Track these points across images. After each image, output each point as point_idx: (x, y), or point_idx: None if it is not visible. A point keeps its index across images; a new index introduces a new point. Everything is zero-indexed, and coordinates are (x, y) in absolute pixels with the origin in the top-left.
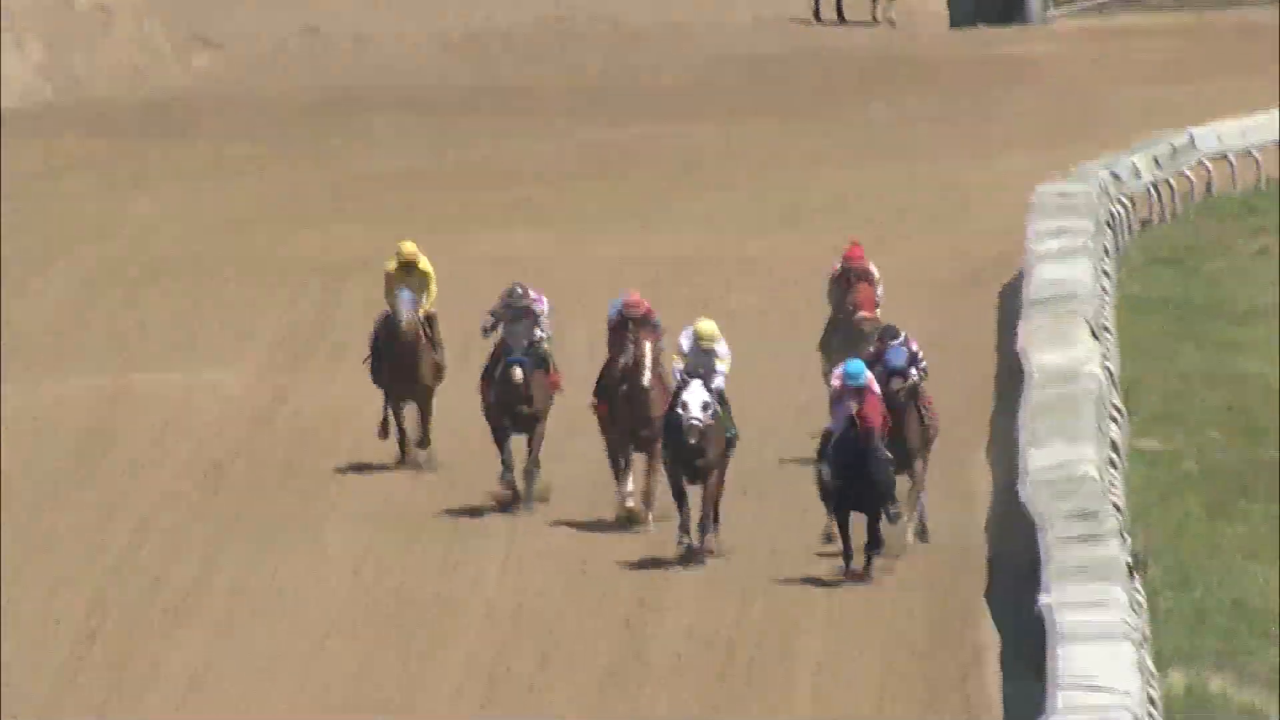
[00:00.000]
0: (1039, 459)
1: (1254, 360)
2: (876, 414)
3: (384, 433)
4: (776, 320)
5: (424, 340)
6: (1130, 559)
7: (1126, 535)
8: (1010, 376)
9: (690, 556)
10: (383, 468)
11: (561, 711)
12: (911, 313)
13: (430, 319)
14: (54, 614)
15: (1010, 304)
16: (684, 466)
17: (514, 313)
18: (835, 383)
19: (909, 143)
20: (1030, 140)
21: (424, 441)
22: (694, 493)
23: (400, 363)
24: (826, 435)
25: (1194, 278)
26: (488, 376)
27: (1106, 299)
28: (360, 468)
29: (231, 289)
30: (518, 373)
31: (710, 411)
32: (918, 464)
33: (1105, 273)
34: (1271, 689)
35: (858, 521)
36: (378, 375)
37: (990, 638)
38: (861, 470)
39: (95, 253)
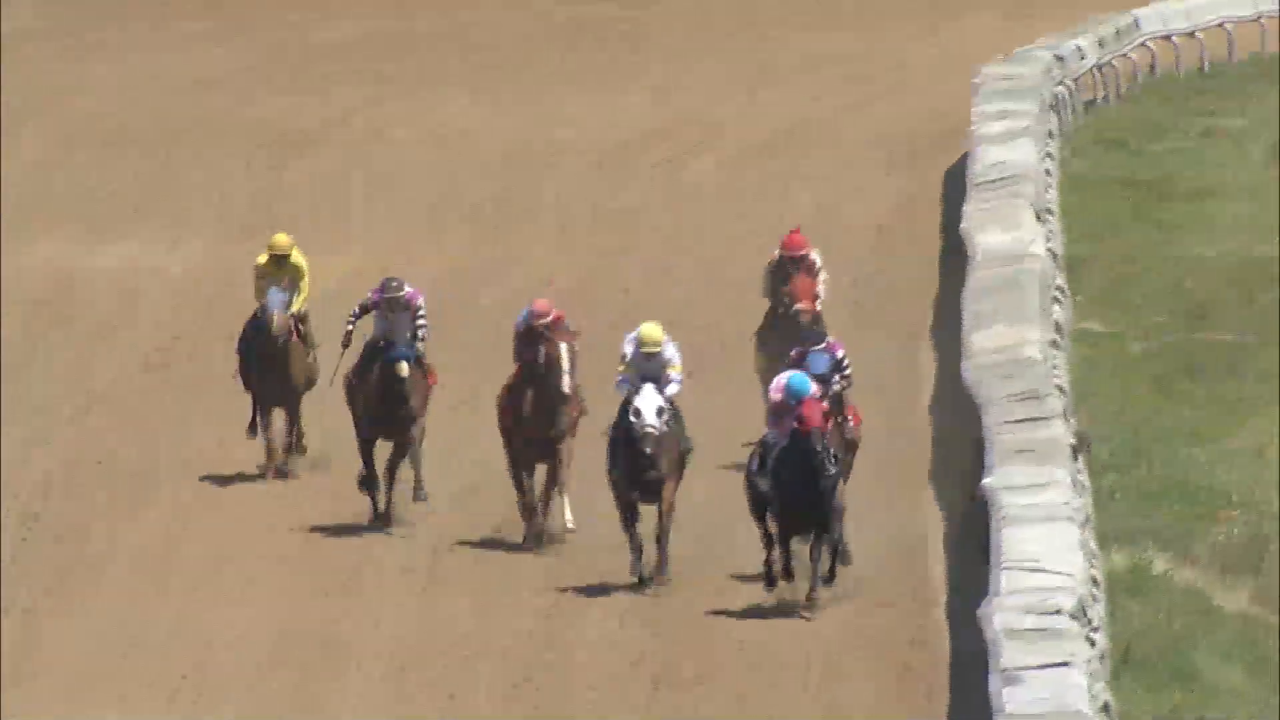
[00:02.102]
0: (982, 341)
1: (1199, 241)
2: (817, 413)
3: (252, 432)
4: (737, 190)
5: (295, 342)
6: (1074, 441)
7: (1070, 417)
8: (955, 257)
9: (642, 586)
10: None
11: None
12: (858, 191)
13: (302, 318)
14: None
15: (955, 183)
16: (636, 483)
17: (393, 303)
18: (776, 396)
19: (867, 10)
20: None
21: (299, 448)
22: (648, 514)
23: (269, 366)
24: (764, 446)
25: (1139, 159)
26: (358, 377)
27: (1051, 181)
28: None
29: (191, 156)
30: (404, 368)
31: (665, 418)
32: (839, 486)
33: (1049, 155)
34: (1214, 567)
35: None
36: (246, 379)
37: (934, 518)
38: (807, 485)
39: (61, 116)
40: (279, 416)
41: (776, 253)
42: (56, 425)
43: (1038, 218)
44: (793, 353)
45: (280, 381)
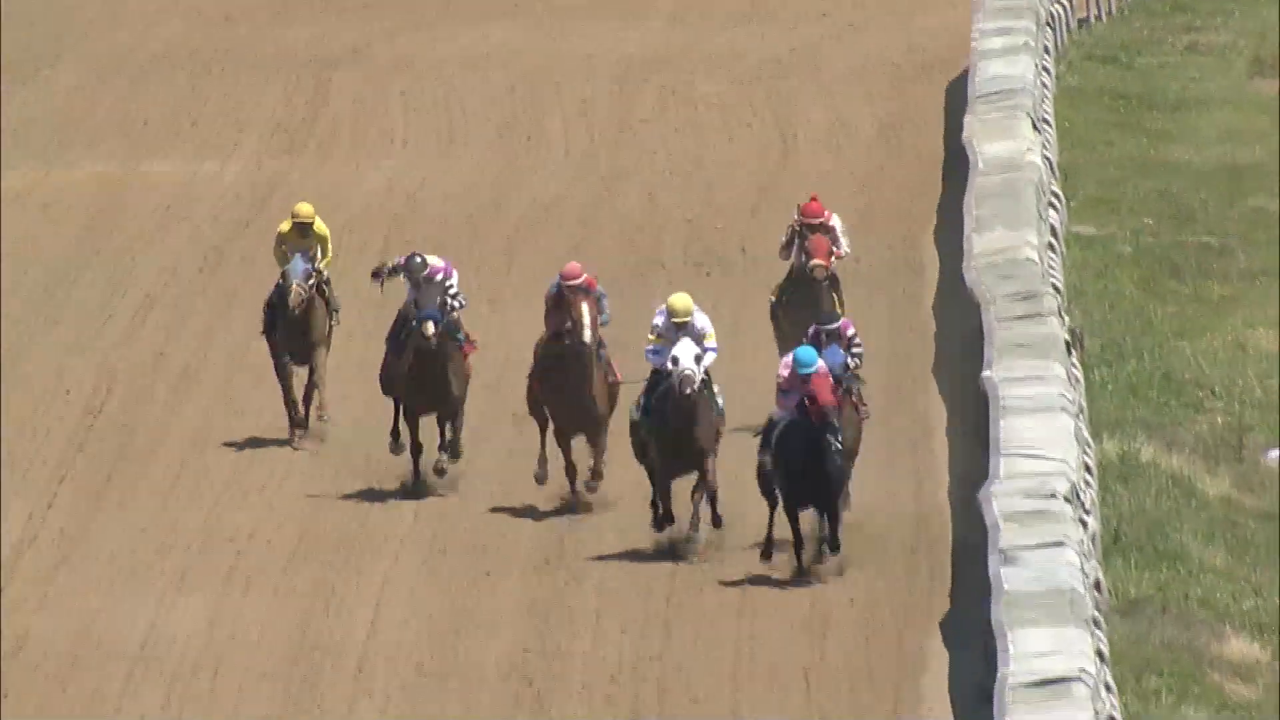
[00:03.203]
0: (983, 243)
1: (1184, 149)
2: (827, 390)
3: (290, 406)
4: (750, 107)
5: (318, 305)
6: (1068, 336)
7: (1064, 314)
8: (957, 166)
9: (686, 545)
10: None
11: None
12: (863, 102)
13: (326, 280)
14: (64, 384)
15: (957, 96)
16: (675, 448)
17: (419, 279)
18: (784, 371)
19: None
20: None
21: (319, 415)
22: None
23: (292, 328)
24: (770, 424)
25: (1128, 72)
26: (393, 344)
27: (1047, 93)
28: (359, 249)
29: (228, 80)
30: (430, 327)
31: (704, 365)
32: (848, 465)
33: (1045, 69)
34: (1198, 454)
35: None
36: (270, 338)
37: (938, 409)
38: (814, 460)
39: (99, 46)
40: (301, 378)
41: (796, 220)
42: (114, 324)
43: (1034, 128)
44: (809, 332)
45: (303, 342)
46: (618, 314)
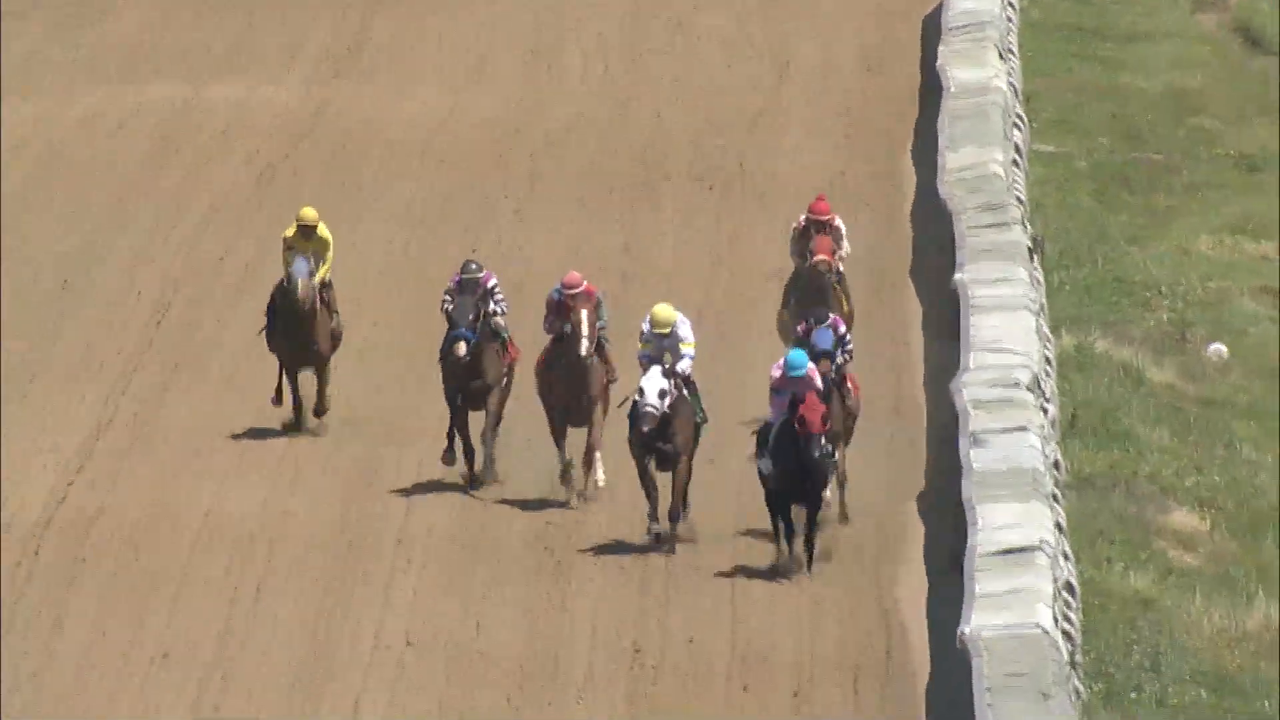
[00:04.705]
0: (955, 160)
1: (1136, 76)
2: (817, 415)
3: (279, 399)
4: (745, 38)
5: (320, 308)
6: (1030, 242)
7: (1027, 223)
8: (932, 91)
9: (659, 543)
10: (417, 159)
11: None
12: (849, 35)
13: (327, 285)
14: (135, 287)
15: (931, 29)
16: (650, 453)
17: (462, 285)
18: (775, 373)
19: None
20: None
21: (320, 409)
22: (664, 479)
23: (296, 331)
24: (765, 427)
25: (1085, 7)
26: (443, 353)
27: (1012, 26)
28: (397, 166)
29: (282, 13)
30: (461, 348)
31: (668, 399)
32: (839, 451)
33: (1011, 4)
34: (1146, 347)
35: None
36: (272, 342)
37: (914, 309)
38: (802, 465)
39: None
40: (307, 380)
41: (803, 218)
42: (178, 233)
43: (1000, 57)
44: (799, 327)
45: (306, 345)
46: (630, 222)
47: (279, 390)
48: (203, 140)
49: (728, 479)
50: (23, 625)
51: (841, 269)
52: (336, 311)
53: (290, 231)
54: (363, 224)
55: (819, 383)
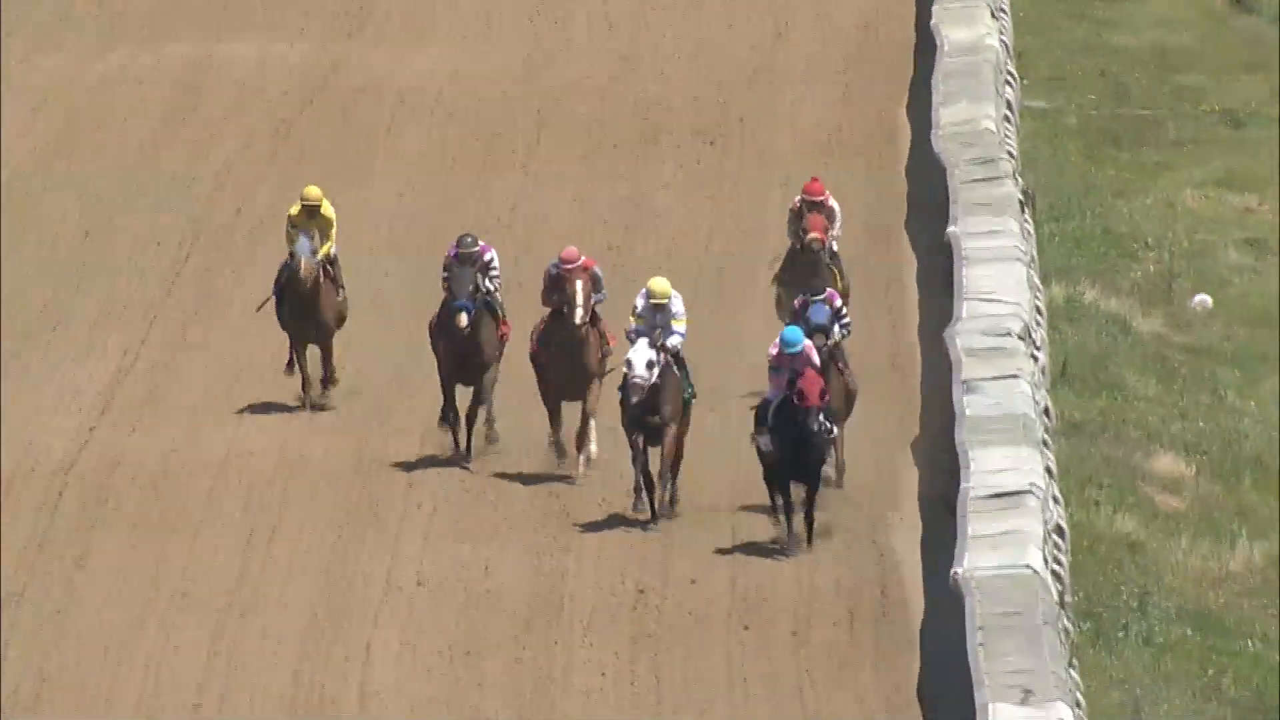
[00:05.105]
0: (948, 116)
1: (1124, 35)
2: (815, 388)
3: (290, 370)
4: (739, 3)
5: (325, 283)
6: (1021, 196)
7: (1018, 177)
8: (926, 49)
9: (644, 517)
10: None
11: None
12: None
13: (332, 261)
14: (155, 237)
15: None
16: (638, 426)
17: (462, 258)
18: (773, 350)
19: None
20: None
21: (329, 380)
22: (653, 455)
23: (301, 307)
24: (763, 404)
25: None
26: (436, 325)
27: None
28: (408, 120)
29: None
30: (463, 319)
31: (656, 370)
32: (837, 429)
33: None
34: (1133, 298)
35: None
36: (281, 317)
37: (909, 260)
38: (801, 439)
39: None
40: (313, 353)
41: (798, 199)
42: (197, 185)
43: (992, 16)
44: (796, 302)
45: (313, 320)
46: (633, 176)
47: (290, 362)
48: (220, 97)
49: (727, 421)
50: (47, 565)
51: (835, 248)
52: (342, 286)
53: (294, 210)
54: (375, 176)
55: (816, 359)
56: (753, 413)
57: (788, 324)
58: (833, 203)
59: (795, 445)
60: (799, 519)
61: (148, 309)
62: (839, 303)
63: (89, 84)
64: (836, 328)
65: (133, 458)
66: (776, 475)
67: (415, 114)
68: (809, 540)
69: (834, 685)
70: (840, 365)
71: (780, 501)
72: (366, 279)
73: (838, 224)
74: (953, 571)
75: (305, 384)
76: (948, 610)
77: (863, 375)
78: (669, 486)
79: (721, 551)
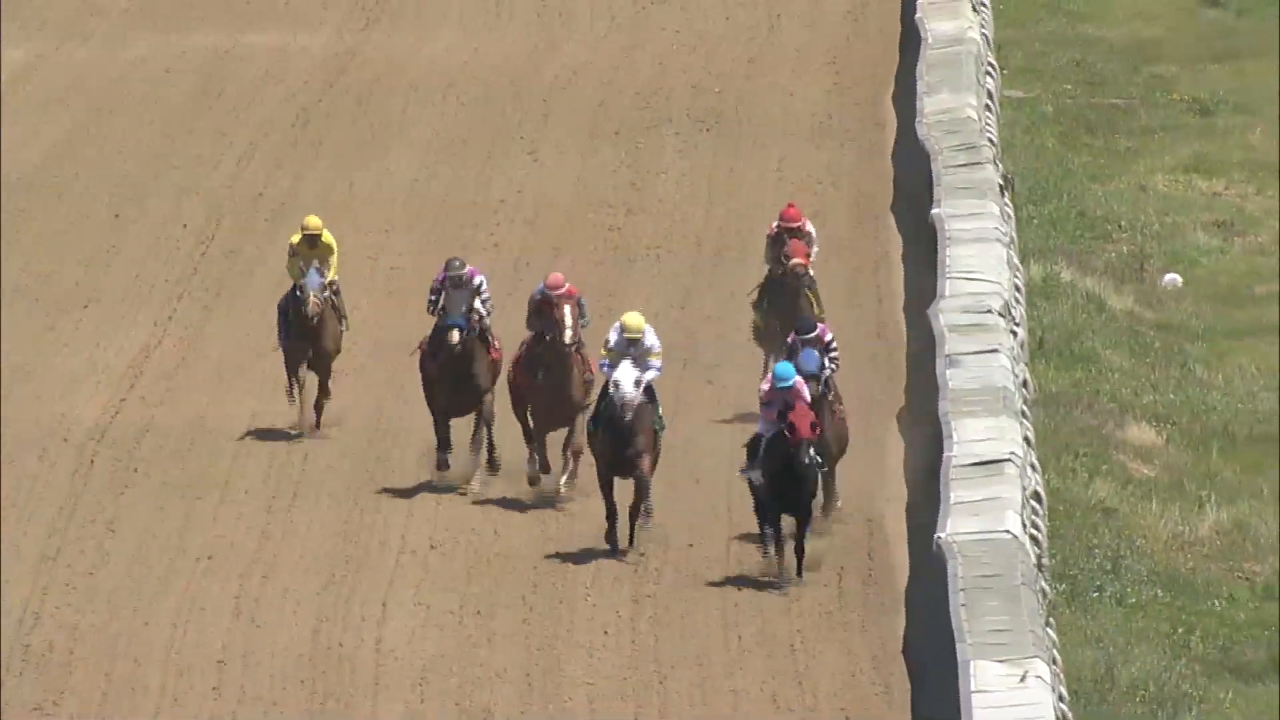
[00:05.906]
0: (932, 104)
1: (1098, 27)
2: (805, 421)
3: (291, 399)
4: None
5: (329, 312)
6: (1001, 180)
7: (998, 162)
8: (911, 40)
9: (615, 549)
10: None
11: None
12: None
13: (335, 290)
14: (181, 219)
15: None
16: (614, 455)
17: (451, 281)
18: (764, 386)
19: None
20: None
21: (320, 403)
22: (623, 487)
23: (305, 335)
24: (755, 439)
25: None
26: (426, 350)
27: None
28: (421, 106)
29: None
30: (455, 335)
31: (643, 388)
32: (831, 470)
33: None
34: (1107, 276)
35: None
36: (281, 340)
37: (895, 240)
38: (792, 472)
39: None
40: (311, 380)
41: (775, 225)
42: (221, 169)
43: (974, 9)
44: (788, 339)
45: (314, 349)
46: (634, 160)
47: (291, 389)
48: (243, 83)
49: (724, 394)
50: (79, 528)
51: (812, 273)
52: (345, 316)
53: (295, 238)
54: (390, 159)
55: (807, 394)
56: (745, 449)
57: (777, 360)
58: (810, 227)
59: (786, 478)
60: (789, 551)
61: (174, 287)
62: (829, 336)
63: (117, 73)
64: (826, 360)
65: (161, 427)
66: (768, 508)
67: (428, 99)
68: (799, 572)
69: (824, 643)
70: (835, 406)
71: (770, 532)
72: (382, 255)
73: (814, 248)
74: (936, 536)
75: (302, 407)
76: (931, 573)
77: (851, 350)
78: (644, 507)
79: (718, 511)
